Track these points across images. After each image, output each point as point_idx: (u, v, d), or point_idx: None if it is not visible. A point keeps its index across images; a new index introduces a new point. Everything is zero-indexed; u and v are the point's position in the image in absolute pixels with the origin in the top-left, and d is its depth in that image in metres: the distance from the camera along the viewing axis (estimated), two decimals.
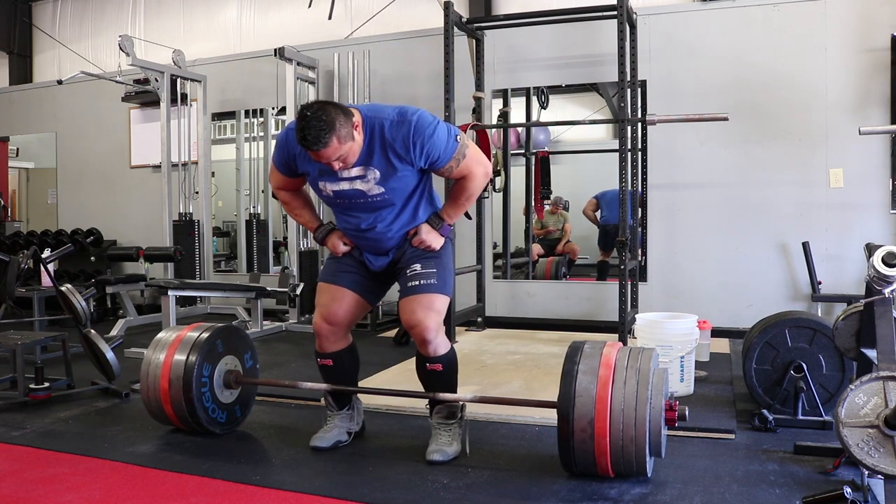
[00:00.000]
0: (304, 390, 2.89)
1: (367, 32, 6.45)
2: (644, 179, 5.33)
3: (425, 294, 2.53)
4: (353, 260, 2.69)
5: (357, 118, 2.37)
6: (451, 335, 4.73)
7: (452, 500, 2.23)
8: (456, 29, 5.02)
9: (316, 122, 2.25)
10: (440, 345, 2.55)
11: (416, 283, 2.55)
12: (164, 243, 6.11)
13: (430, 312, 2.51)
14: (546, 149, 7.74)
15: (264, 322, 5.53)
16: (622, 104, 4.55)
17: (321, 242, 2.72)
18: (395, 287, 2.74)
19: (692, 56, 5.22)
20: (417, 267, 2.57)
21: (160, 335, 2.93)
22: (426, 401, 2.71)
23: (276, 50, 5.73)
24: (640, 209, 5.26)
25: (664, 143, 5.28)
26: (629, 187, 4.68)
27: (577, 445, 2.26)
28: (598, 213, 7.10)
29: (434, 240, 2.58)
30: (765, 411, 2.89)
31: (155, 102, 6.35)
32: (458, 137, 2.48)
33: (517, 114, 6.56)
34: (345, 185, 2.49)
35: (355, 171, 2.45)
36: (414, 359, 2.70)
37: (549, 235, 7.85)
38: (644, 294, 5.23)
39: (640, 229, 5.28)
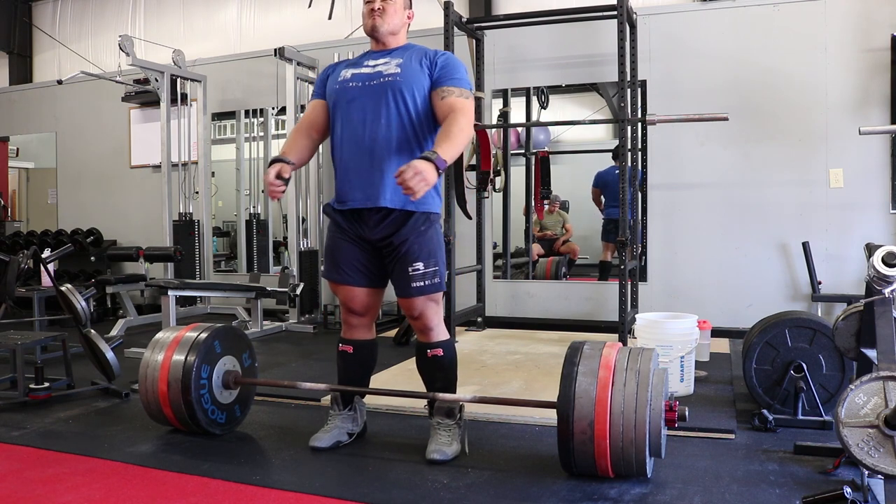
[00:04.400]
0: (304, 390, 2.89)
1: None
2: (644, 179, 5.33)
3: (430, 294, 2.60)
4: (347, 238, 2.63)
5: (412, 13, 2.71)
6: (451, 335, 4.73)
7: (452, 500, 2.22)
8: (456, 29, 5.02)
9: None
10: (441, 332, 2.66)
11: (422, 283, 2.57)
12: (164, 243, 6.11)
13: (430, 303, 2.62)
14: (546, 149, 7.74)
15: (264, 322, 5.53)
16: (622, 104, 4.55)
17: (269, 164, 2.58)
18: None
19: (692, 56, 5.22)
20: (420, 266, 2.56)
21: (158, 336, 2.93)
22: (425, 401, 2.72)
23: (276, 50, 5.73)
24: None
25: (664, 143, 5.28)
26: (629, 187, 4.67)
27: (577, 447, 2.26)
28: (602, 199, 6.97)
29: (430, 173, 2.24)
30: (765, 411, 2.89)
31: (155, 102, 6.35)
32: (470, 91, 2.60)
33: (517, 114, 6.56)
34: (366, 70, 2.60)
35: (381, 60, 2.60)
36: (414, 359, 2.71)
37: (549, 237, 7.84)
38: (644, 294, 5.23)
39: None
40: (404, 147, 2.54)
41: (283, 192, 2.54)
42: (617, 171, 4.74)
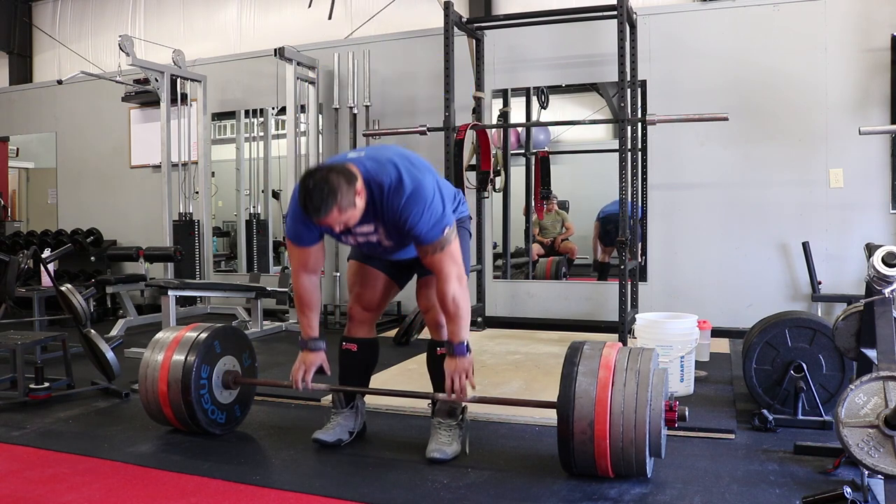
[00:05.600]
0: (304, 390, 2.89)
1: (367, 32, 6.45)
2: (644, 179, 5.33)
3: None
4: None
5: (359, 184, 2.28)
6: None
7: (452, 500, 2.23)
8: (456, 29, 5.02)
9: (318, 191, 2.20)
10: None
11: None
12: (164, 243, 6.11)
13: None
14: (546, 149, 7.74)
15: (264, 322, 5.53)
16: (622, 104, 4.55)
17: (301, 349, 2.68)
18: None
19: (692, 56, 5.22)
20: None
21: (158, 336, 2.93)
22: (428, 400, 2.71)
23: (276, 50, 5.73)
24: (640, 208, 5.25)
25: (664, 143, 5.28)
26: (629, 187, 4.67)
27: (577, 447, 2.26)
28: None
29: (462, 372, 2.49)
30: (765, 411, 2.89)
31: (155, 102, 6.35)
32: (446, 230, 2.39)
33: (517, 114, 6.56)
34: (361, 239, 2.53)
35: (366, 228, 2.45)
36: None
37: (547, 245, 7.83)
38: (644, 294, 5.23)
39: (640, 225, 5.29)
40: None
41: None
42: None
